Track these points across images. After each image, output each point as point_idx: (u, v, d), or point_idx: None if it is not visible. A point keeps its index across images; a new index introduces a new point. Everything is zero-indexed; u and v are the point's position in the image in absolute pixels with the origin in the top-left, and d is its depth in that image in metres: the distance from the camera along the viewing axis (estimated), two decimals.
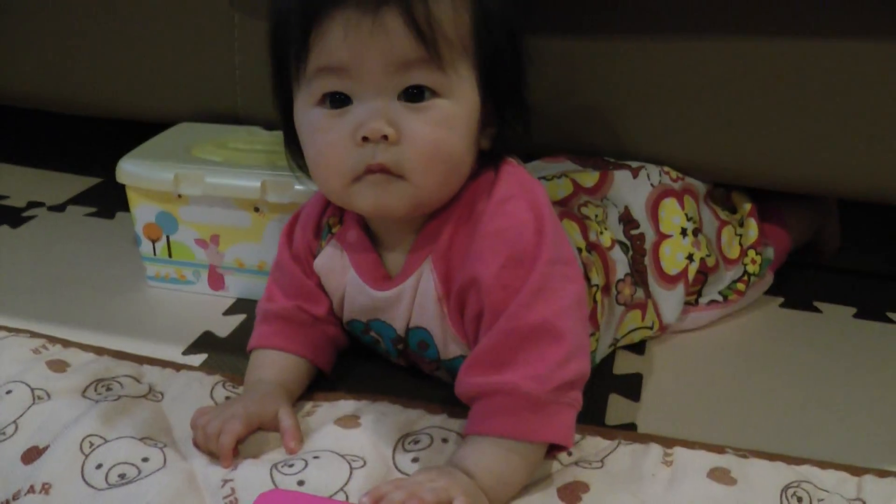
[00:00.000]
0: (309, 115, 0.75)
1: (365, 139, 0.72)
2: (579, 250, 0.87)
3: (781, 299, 1.08)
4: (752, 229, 1.04)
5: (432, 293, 0.79)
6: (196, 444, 0.77)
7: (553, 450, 0.75)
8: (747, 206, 1.06)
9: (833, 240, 1.21)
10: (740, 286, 1.02)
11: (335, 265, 0.85)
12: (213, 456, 0.76)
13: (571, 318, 0.74)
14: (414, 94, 0.72)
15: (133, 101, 1.30)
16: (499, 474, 0.70)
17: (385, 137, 0.71)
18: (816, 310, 1.07)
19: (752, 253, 1.03)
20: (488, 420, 0.72)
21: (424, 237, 0.79)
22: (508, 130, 0.79)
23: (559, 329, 0.72)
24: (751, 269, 1.02)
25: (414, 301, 0.81)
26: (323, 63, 0.72)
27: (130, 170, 1.04)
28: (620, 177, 1.00)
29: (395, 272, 0.82)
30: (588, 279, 0.86)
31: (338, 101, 0.73)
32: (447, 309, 0.79)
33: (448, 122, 0.73)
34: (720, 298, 1.01)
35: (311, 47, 0.72)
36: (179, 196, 1.03)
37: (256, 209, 1.02)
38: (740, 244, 1.03)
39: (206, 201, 1.03)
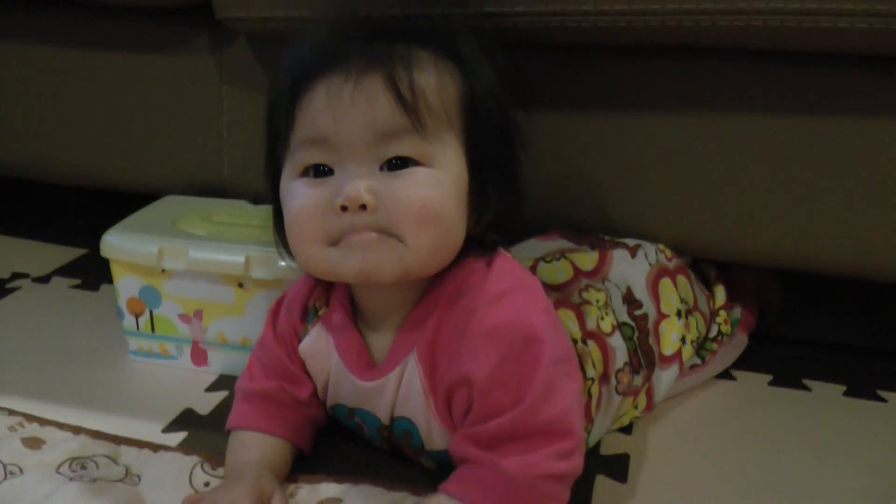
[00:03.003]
0: (291, 185, 0.75)
1: (344, 208, 0.70)
2: (574, 341, 0.86)
3: (770, 377, 1.07)
4: (720, 293, 1.04)
5: (418, 387, 0.77)
6: None
7: None
8: (711, 273, 1.07)
9: (775, 295, 1.20)
10: (713, 346, 1.02)
11: (320, 348, 0.83)
12: None
13: (575, 416, 0.73)
14: (396, 165, 0.71)
15: (120, 172, 1.29)
16: None
17: (363, 207, 0.70)
18: (805, 388, 1.06)
19: (722, 314, 1.03)
20: (463, 485, 0.72)
21: (409, 326, 0.77)
22: (500, 216, 0.77)
23: (565, 428, 0.72)
24: (724, 328, 1.02)
25: (398, 391, 0.79)
26: (307, 134, 0.72)
27: (114, 243, 1.04)
28: (619, 256, 0.98)
29: (380, 358, 0.80)
30: (583, 371, 0.84)
31: (320, 171, 0.73)
32: (433, 403, 0.77)
33: (433, 183, 0.71)
34: (698, 361, 1.01)
35: (296, 117, 0.73)
36: (163, 270, 1.02)
37: (240, 284, 1.01)
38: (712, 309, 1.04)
39: (190, 276, 1.02)
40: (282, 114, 0.74)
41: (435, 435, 0.79)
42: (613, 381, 0.89)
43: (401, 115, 0.70)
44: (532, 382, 0.71)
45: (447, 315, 0.76)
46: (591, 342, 0.88)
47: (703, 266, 1.08)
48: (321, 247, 0.73)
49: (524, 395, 0.71)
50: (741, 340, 1.08)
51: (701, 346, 1.01)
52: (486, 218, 0.77)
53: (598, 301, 0.92)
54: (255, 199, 1.16)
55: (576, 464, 0.72)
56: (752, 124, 0.97)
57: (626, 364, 0.90)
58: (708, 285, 1.06)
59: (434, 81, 0.72)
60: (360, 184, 0.70)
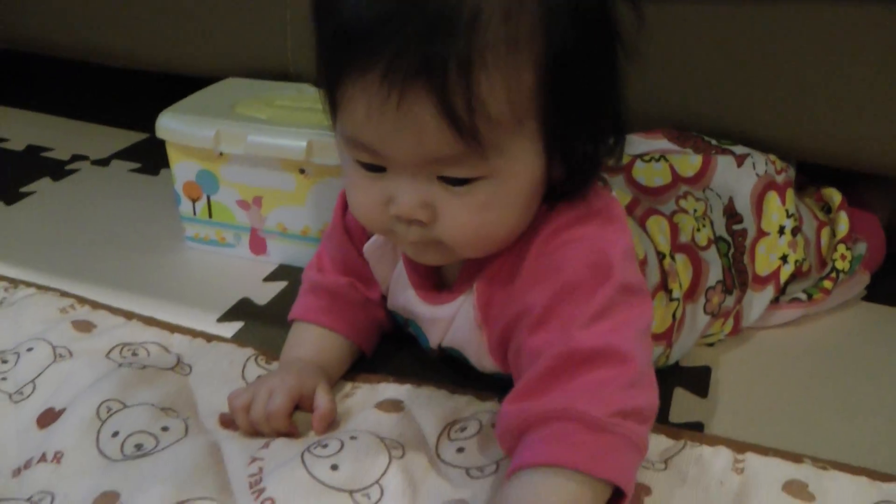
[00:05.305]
0: (344, 158, 0.66)
1: (398, 216, 0.63)
2: (662, 256, 0.78)
3: (865, 292, 0.99)
4: (843, 223, 0.93)
5: (471, 320, 0.71)
6: (226, 424, 0.73)
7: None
8: (837, 199, 0.95)
9: None
10: (827, 284, 0.91)
11: (386, 254, 0.77)
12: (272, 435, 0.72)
13: (636, 346, 0.62)
14: (454, 180, 0.61)
15: (180, 55, 1.25)
16: None
17: (418, 220, 0.62)
18: None
19: (841, 248, 0.92)
20: (538, 448, 0.59)
21: (477, 261, 0.70)
22: (596, 149, 0.65)
23: (622, 353, 0.61)
24: (840, 265, 0.92)
25: (452, 325, 0.73)
26: (351, 134, 0.61)
27: (170, 125, 0.99)
28: (724, 164, 0.89)
29: (448, 279, 0.74)
30: (669, 291, 0.77)
31: (371, 166, 0.63)
32: (486, 337, 0.71)
33: (495, 203, 0.62)
34: (804, 297, 0.91)
35: (338, 107, 0.61)
36: (220, 154, 0.97)
37: (302, 171, 0.95)
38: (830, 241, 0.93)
39: (249, 161, 0.97)
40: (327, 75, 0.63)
41: (487, 365, 0.74)
42: (702, 299, 0.81)
43: (456, 141, 0.57)
44: (591, 304, 0.62)
45: (511, 252, 0.68)
46: (681, 256, 0.80)
47: (827, 192, 0.97)
48: (378, 231, 0.68)
49: (580, 316, 0.62)
50: (862, 279, 0.96)
51: (813, 284, 0.92)
52: (571, 169, 0.65)
53: (695, 211, 0.84)
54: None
55: (648, 398, 0.61)
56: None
57: (718, 283, 0.82)
58: (829, 213, 0.96)
59: (499, 77, 0.57)
60: (413, 198, 0.61)
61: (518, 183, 0.62)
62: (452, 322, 0.73)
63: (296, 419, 0.72)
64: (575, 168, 0.65)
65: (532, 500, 0.58)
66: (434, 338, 0.76)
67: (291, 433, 0.71)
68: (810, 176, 1.01)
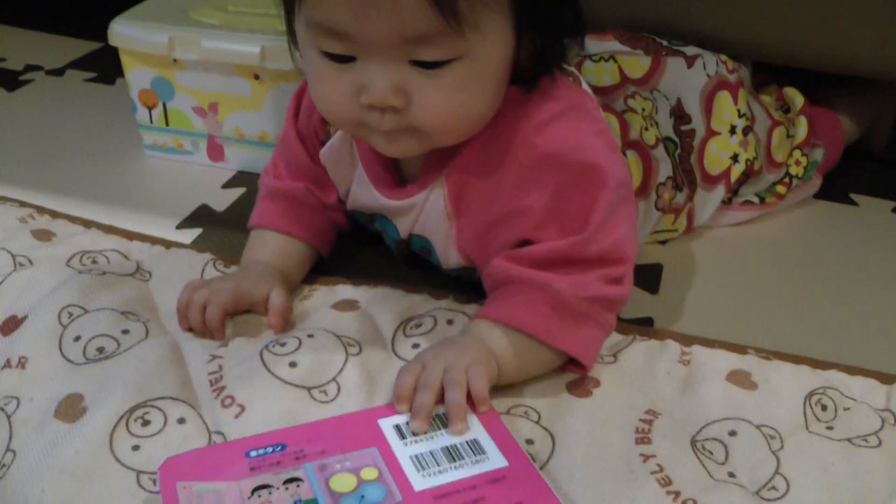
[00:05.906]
0: (308, 52, 0.65)
1: (371, 105, 0.62)
2: None
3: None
4: (802, 127, 0.94)
5: (441, 210, 0.72)
6: (181, 321, 0.73)
7: (569, 364, 0.69)
8: (799, 101, 0.96)
9: (883, 135, 1.10)
10: (780, 189, 0.94)
11: (343, 157, 0.78)
12: (199, 331, 0.72)
13: (628, 243, 0.68)
14: (427, 63, 0.61)
15: None
16: (510, 356, 0.66)
17: (392, 107, 0.62)
18: (853, 202, 1.00)
19: (797, 154, 0.94)
20: (509, 308, 0.66)
21: (442, 152, 0.70)
22: (556, 38, 0.67)
23: (618, 257, 0.67)
24: (794, 170, 0.94)
25: (421, 213, 0.74)
26: (320, 20, 0.60)
27: (123, 31, 0.98)
28: (673, 64, 0.90)
29: (409, 174, 0.75)
30: None
31: (339, 57, 0.62)
32: (454, 228, 0.72)
33: (468, 84, 0.62)
34: (756, 200, 0.93)
35: None
36: (175, 61, 0.97)
37: (256, 76, 0.95)
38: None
39: (204, 67, 0.96)
40: None
41: (451, 258, 0.75)
42: (653, 195, 0.83)
43: (435, 16, 0.58)
44: (594, 211, 0.66)
45: (482, 143, 0.69)
46: (631, 153, 0.81)
47: (790, 93, 0.97)
48: (348, 127, 0.68)
49: (586, 224, 0.66)
50: (814, 183, 0.98)
51: (766, 188, 0.94)
52: (538, 49, 0.66)
53: (643, 111, 0.85)
54: None
55: (624, 290, 0.68)
56: None
57: (668, 179, 0.84)
58: (787, 113, 0.97)
59: None
60: (386, 84, 0.61)
61: (490, 62, 0.63)
62: (422, 211, 0.74)
63: (253, 321, 0.74)
64: (542, 47, 0.66)
65: (490, 340, 0.66)
66: (403, 228, 0.77)
67: (216, 335, 0.72)
68: (774, 75, 1.02)
